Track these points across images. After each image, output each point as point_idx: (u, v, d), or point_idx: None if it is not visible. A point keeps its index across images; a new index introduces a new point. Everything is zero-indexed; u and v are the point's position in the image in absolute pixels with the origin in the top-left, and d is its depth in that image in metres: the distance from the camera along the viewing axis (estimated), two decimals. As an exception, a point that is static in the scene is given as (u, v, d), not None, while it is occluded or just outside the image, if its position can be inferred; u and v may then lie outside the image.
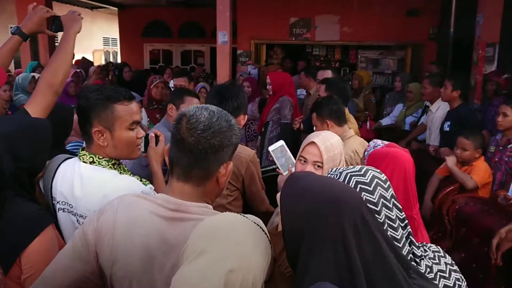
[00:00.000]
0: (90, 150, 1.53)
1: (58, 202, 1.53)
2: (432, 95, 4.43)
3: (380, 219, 1.04)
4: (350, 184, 1.07)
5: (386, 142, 1.91)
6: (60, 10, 7.82)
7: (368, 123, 5.17)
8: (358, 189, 1.06)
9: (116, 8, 11.58)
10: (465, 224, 2.75)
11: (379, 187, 1.07)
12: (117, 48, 15.94)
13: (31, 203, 1.42)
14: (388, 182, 1.11)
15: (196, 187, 1.14)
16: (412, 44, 7.92)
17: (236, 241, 0.86)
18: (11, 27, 10.54)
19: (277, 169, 1.95)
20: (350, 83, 5.61)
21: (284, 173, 1.89)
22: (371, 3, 7.58)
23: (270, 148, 1.92)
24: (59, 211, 1.52)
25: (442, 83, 4.13)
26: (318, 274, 0.94)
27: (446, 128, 3.96)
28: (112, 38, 15.71)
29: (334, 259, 0.94)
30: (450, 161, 3.26)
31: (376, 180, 1.08)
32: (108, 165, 1.52)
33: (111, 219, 1.13)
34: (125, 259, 1.10)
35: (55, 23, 1.85)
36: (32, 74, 5.62)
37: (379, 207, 1.04)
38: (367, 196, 1.05)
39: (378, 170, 1.14)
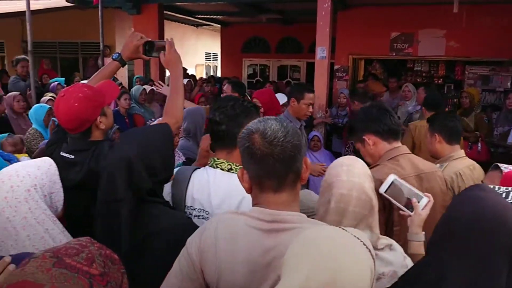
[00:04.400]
0: (230, 159, 1.60)
1: (194, 209, 1.61)
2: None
3: None
4: None
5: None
6: (169, 27, 8.50)
7: (479, 145, 4.79)
8: None
9: (219, 26, 12.25)
10: None
11: None
12: (217, 63, 16.85)
13: (178, 212, 1.58)
14: None
15: (291, 192, 1.16)
16: (529, 59, 7.20)
17: (330, 256, 0.83)
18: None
19: (400, 211, 1.64)
20: (456, 100, 5.25)
21: (412, 213, 1.59)
22: (481, 16, 7.07)
23: (381, 190, 1.63)
24: (195, 217, 1.60)
25: None
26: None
27: None
28: (213, 53, 16.62)
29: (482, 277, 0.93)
30: None
31: None
32: None
33: (212, 237, 1.17)
34: (229, 274, 1.13)
35: (149, 48, 2.01)
36: (143, 86, 6.16)
37: None
38: None
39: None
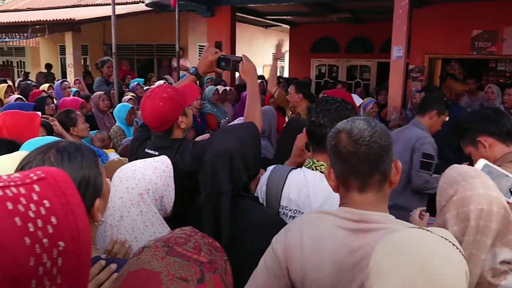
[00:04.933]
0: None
1: (290, 210, 1.60)
2: None
3: None
4: None
5: None
6: (239, 28, 8.66)
7: None
8: None
9: (288, 26, 12.27)
10: None
11: None
12: (284, 63, 16.87)
13: (267, 208, 1.61)
14: None
15: (377, 193, 1.13)
16: None
17: (423, 262, 0.78)
18: (199, 45, 12.10)
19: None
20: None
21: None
22: None
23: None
24: (290, 218, 1.60)
25: None
26: None
27: None
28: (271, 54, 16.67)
29: None
30: None
31: None
32: None
33: (298, 236, 1.18)
34: (314, 273, 1.14)
35: (225, 64, 2.10)
36: (216, 87, 6.31)
37: None
38: None
39: None
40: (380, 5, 7.88)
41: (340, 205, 1.19)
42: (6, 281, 0.48)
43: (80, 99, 4.81)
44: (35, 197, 0.54)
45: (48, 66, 11.44)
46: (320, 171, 1.58)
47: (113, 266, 0.97)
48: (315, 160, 1.62)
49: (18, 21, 10.23)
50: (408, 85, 7.62)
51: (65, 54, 13.16)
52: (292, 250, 1.18)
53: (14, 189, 0.53)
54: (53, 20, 9.76)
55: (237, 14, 8.70)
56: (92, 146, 3.16)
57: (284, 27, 12.87)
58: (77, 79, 7.26)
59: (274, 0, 7.74)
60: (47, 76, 10.28)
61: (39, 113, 2.53)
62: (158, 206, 1.49)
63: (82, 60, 12.03)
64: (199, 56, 12.19)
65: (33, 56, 14.77)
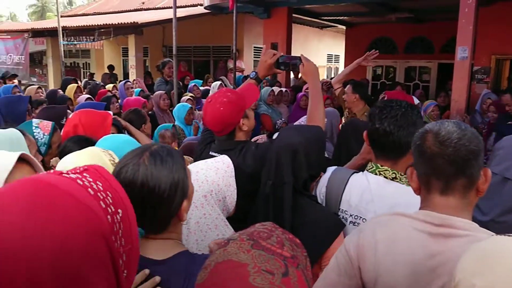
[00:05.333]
0: (395, 167, 1.53)
1: (350, 216, 1.57)
2: None
3: None
4: None
5: None
6: (294, 29, 8.65)
7: None
8: None
9: (343, 27, 12.09)
10: None
11: None
12: (339, 65, 16.66)
13: (324, 207, 1.61)
14: None
15: (461, 199, 1.09)
16: None
17: None
18: (254, 47, 12.23)
19: None
20: None
21: None
22: None
23: None
24: (350, 224, 1.57)
25: None
26: None
27: None
28: (335, 55, 16.47)
29: None
30: None
31: None
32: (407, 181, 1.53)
33: (371, 236, 1.17)
34: (388, 275, 1.12)
35: (283, 65, 2.10)
36: (271, 88, 6.35)
37: None
38: None
39: None
40: (443, 4, 7.57)
41: (420, 208, 1.16)
42: (98, 238, 0.59)
43: (142, 99, 5.04)
44: (90, 179, 0.64)
45: (111, 67, 12.06)
46: (384, 176, 1.54)
47: (157, 278, 1.00)
48: (378, 165, 1.57)
49: (86, 25, 10.87)
50: (473, 87, 7.24)
51: (127, 56, 13.84)
52: (365, 250, 1.17)
53: (72, 175, 0.64)
54: (118, 23, 10.28)
55: (293, 15, 8.70)
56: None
57: (340, 28, 12.70)
58: (135, 80, 7.58)
59: (332, 1, 7.66)
60: (111, 77, 10.84)
61: (111, 112, 2.67)
62: (221, 207, 1.51)
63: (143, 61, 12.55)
64: (255, 57, 12.34)
65: (97, 58, 15.63)
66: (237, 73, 7.90)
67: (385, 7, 8.29)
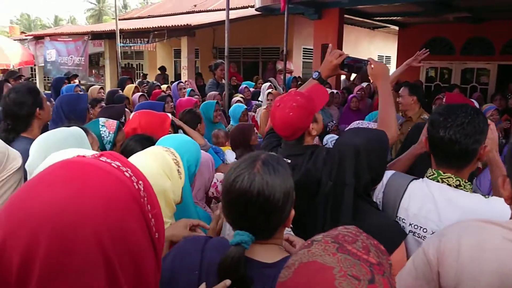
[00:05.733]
0: (458, 174, 1.47)
1: (409, 225, 1.51)
2: None
3: None
4: None
5: None
6: (345, 30, 8.51)
7: None
8: None
9: (396, 27, 11.77)
10: None
11: None
12: (390, 66, 16.22)
13: (385, 214, 1.57)
14: None
15: None
16: None
17: None
18: (303, 48, 12.18)
19: None
20: None
21: None
22: None
23: None
24: (409, 233, 1.51)
25: None
26: None
27: None
28: (386, 56, 16.06)
29: None
30: None
31: None
32: (471, 189, 1.47)
33: (455, 242, 1.12)
34: (471, 283, 1.08)
35: (347, 67, 2.03)
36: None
37: None
38: None
39: None
40: (505, 2, 7.17)
41: (511, 218, 1.12)
42: (131, 199, 0.66)
43: (194, 99, 5.16)
44: (109, 160, 0.71)
45: (162, 68, 12.44)
46: (447, 184, 1.47)
47: (228, 282, 1.02)
48: (441, 172, 1.49)
49: (142, 28, 11.28)
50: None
51: (178, 57, 14.23)
52: (446, 255, 1.13)
53: (93, 158, 0.71)
54: (172, 26, 10.58)
55: (345, 16, 8.58)
56: (212, 145, 3.36)
57: (392, 28, 12.37)
58: (187, 81, 7.77)
59: (385, 1, 7.47)
60: (163, 78, 11.19)
61: (170, 114, 2.74)
62: None
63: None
64: (304, 59, 12.29)
65: (150, 59, 16.16)
66: (286, 74, 7.89)
67: (442, 6, 7.98)
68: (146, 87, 7.17)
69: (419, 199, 1.51)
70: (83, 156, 0.71)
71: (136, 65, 16.91)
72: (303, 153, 1.81)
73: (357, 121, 2.85)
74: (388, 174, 1.66)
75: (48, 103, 2.54)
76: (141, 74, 13.95)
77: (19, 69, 10.69)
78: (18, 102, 2.36)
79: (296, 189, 1.71)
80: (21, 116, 2.36)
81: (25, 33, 20.47)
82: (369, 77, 1.99)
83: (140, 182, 0.70)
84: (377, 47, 15.27)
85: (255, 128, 3.64)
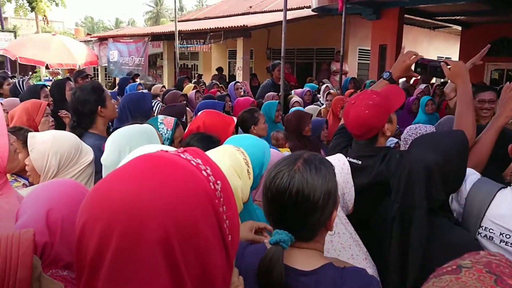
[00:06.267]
0: None
1: (501, 234, 1.42)
2: None
3: None
4: None
5: None
6: (404, 30, 8.25)
7: None
8: None
9: (458, 27, 11.25)
10: None
11: None
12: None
13: (463, 230, 1.46)
14: None
15: None
16: None
17: None
18: (359, 49, 11.95)
19: None
20: None
21: None
22: None
23: None
24: (501, 243, 1.42)
25: None
26: None
27: None
28: (446, 58, 15.38)
29: None
30: None
31: None
32: None
33: None
34: None
35: (420, 68, 1.95)
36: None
37: None
38: None
39: None
40: None
41: None
42: (204, 198, 0.67)
43: (251, 99, 5.22)
44: (190, 156, 0.72)
45: (220, 69, 12.68)
46: None
47: None
48: None
49: (199, 29, 11.57)
50: None
51: (232, 59, 14.45)
52: None
53: (175, 153, 0.73)
54: (229, 27, 10.76)
55: (404, 15, 8.33)
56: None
57: (453, 28, 11.85)
58: (242, 82, 7.86)
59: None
60: (220, 78, 11.41)
61: (235, 118, 2.76)
62: (341, 203, 1.49)
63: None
64: (359, 60, 12.05)
65: (205, 60, 16.53)
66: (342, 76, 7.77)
67: (511, 4, 7.53)
68: (203, 87, 7.36)
69: (510, 208, 1.40)
70: (166, 151, 0.73)
71: (192, 65, 17.35)
72: (375, 154, 1.76)
73: (415, 126, 2.75)
74: (472, 178, 1.54)
75: (113, 100, 2.67)
76: (196, 75, 14.32)
77: (83, 69, 11.34)
78: (81, 100, 2.49)
79: (365, 191, 1.69)
80: (84, 113, 2.49)
81: (90, 34, 21.69)
82: (447, 78, 1.89)
83: (218, 182, 0.71)
84: (436, 48, 14.66)
85: (310, 120, 3.62)
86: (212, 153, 1.62)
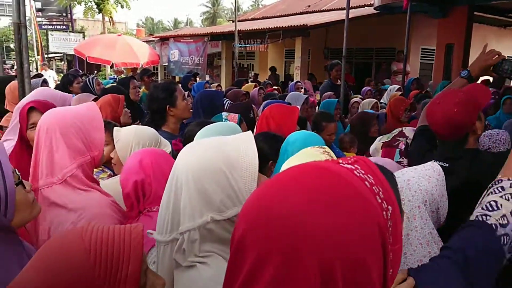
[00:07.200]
0: None
1: None
2: None
3: None
4: None
5: None
6: (474, 29, 7.84)
7: None
8: None
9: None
10: None
11: None
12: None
13: None
14: None
15: None
16: None
17: None
18: (422, 48, 11.52)
19: None
20: None
21: None
22: None
23: None
24: None
25: None
26: None
27: None
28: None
29: None
30: None
31: None
32: None
33: None
34: None
35: (508, 68, 1.84)
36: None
37: None
38: None
39: None
40: None
41: None
42: (376, 231, 0.59)
43: (312, 98, 5.21)
44: (362, 171, 0.64)
45: (273, 69, 12.73)
46: None
47: (411, 280, 0.96)
48: None
49: (258, 28, 11.69)
50: None
51: (288, 58, 14.46)
52: None
53: (348, 165, 0.65)
54: (288, 26, 10.78)
55: (474, 13, 7.93)
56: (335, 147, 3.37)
57: (528, 26, 11.09)
58: (303, 81, 7.88)
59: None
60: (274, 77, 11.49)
61: (298, 107, 2.80)
62: (434, 219, 1.41)
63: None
64: (422, 60, 11.62)
65: (260, 60, 16.65)
66: (400, 75, 7.51)
67: None
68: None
69: None
70: (338, 163, 0.65)
71: (247, 65, 17.55)
72: (462, 156, 1.68)
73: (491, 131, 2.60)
74: None
75: (187, 99, 2.74)
76: (253, 74, 14.48)
77: (147, 67, 11.84)
78: (152, 98, 2.60)
79: (453, 195, 1.61)
80: (155, 111, 2.60)
81: (152, 34, 22.57)
82: None
83: (389, 207, 0.62)
84: (507, 47, 13.75)
85: (375, 121, 3.55)
86: (298, 159, 1.52)
